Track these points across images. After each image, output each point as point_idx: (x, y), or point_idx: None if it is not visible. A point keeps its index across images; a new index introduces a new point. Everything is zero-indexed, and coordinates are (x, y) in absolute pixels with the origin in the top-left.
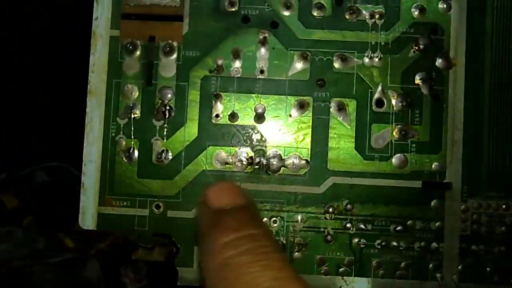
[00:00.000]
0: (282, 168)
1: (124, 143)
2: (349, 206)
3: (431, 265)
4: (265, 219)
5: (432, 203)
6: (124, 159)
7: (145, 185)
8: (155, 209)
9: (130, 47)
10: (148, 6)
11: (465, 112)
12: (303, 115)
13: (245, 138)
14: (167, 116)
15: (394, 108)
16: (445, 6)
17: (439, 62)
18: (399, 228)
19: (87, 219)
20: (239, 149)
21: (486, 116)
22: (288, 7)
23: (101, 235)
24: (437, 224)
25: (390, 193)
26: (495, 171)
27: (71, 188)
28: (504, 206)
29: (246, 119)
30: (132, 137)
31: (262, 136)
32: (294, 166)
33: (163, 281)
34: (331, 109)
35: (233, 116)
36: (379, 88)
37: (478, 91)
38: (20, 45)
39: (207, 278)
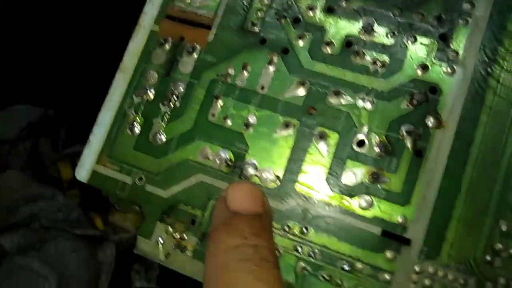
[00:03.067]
0: (255, 176)
1: (131, 117)
2: (305, 230)
3: None
4: None
5: (387, 254)
6: (128, 131)
7: (136, 157)
8: (137, 180)
9: (163, 41)
10: (188, 12)
11: (443, 175)
12: (287, 135)
13: (230, 140)
14: (172, 105)
15: (374, 151)
16: (449, 70)
17: (429, 120)
18: (346, 267)
19: (82, 172)
20: (222, 148)
21: (464, 186)
22: (301, 39)
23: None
24: (386, 276)
25: (348, 230)
26: (460, 243)
27: None
28: (462, 282)
29: (236, 124)
30: (140, 114)
31: (246, 143)
32: (266, 178)
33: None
34: (313, 137)
35: (226, 118)
36: (364, 129)
37: (462, 160)
38: (69, 25)
39: (209, 277)
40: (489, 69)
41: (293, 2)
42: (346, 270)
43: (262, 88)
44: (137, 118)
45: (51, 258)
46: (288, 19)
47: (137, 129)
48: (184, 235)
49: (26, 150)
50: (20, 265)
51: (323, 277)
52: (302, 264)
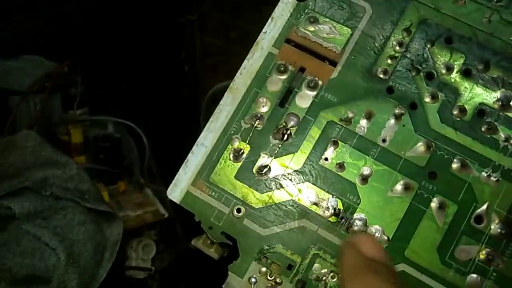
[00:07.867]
0: (363, 233)
1: (237, 143)
2: None
3: None
4: (324, 270)
5: None
6: (231, 157)
7: (237, 187)
8: (235, 211)
9: (281, 68)
10: (311, 41)
11: None
12: (404, 196)
13: (342, 190)
14: (284, 138)
15: (491, 231)
16: None
17: None
18: None
19: (176, 191)
20: (332, 197)
21: None
22: (433, 97)
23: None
24: None
25: None
26: None
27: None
28: None
29: (350, 174)
30: (247, 142)
31: (358, 196)
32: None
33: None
34: (432, 203)
35: (340, 166)
36: (485, 206)
37: None
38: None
39: None
40: None
41: (430, 56)
42: None
43: (384, 141)
44: (243, 145)
45: (60, 230)
46: (421, 73)
47: (241, 157)
48: (279, 279)
49: (36, 105)
50: (28, 232)
51: None
52: None
